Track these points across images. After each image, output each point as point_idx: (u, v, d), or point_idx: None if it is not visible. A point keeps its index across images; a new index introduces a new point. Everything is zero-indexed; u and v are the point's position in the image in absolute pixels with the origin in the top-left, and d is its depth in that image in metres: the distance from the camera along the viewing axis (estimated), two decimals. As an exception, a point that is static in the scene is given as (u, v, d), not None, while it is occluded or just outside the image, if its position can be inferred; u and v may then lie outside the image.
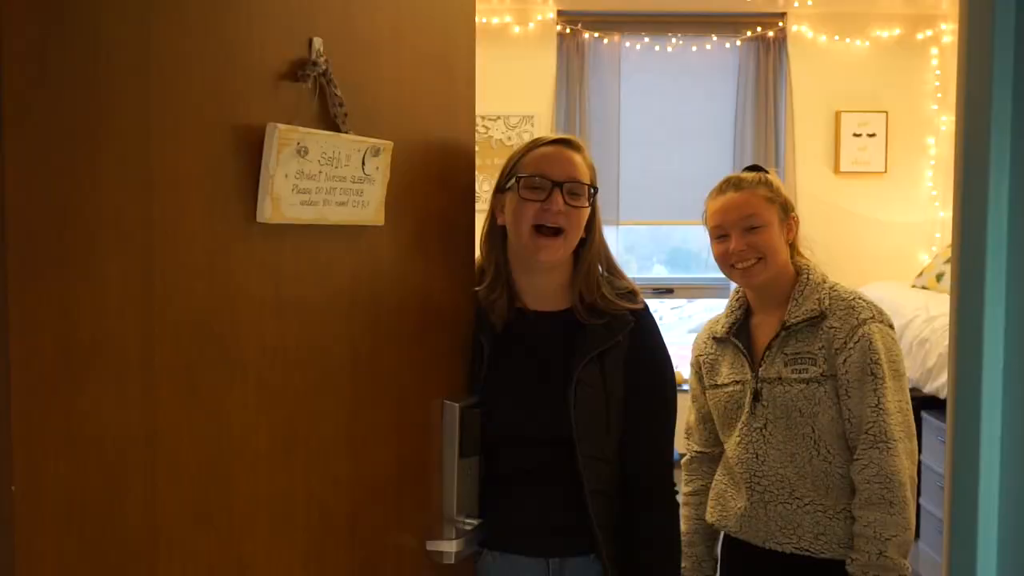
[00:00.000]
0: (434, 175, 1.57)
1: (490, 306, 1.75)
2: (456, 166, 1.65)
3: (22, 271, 0.93)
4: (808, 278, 2.04)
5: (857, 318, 1.96)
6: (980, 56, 0.96)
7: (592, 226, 1.79)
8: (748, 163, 5.28)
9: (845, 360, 1.94)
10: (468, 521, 1.61)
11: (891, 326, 2.01)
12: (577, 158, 1.77)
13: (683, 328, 6.30)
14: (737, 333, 2.12)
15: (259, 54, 1.20)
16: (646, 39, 5.31)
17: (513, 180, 1.74)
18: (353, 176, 1.33)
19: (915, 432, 1.98)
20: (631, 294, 1.84)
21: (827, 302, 2.00)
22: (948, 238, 4.98)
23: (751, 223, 2.03)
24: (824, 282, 2.05)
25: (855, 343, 1.94)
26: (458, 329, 1.67)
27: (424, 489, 1.57)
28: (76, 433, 0.99)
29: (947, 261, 4.60)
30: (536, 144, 1.79)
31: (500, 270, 1.77)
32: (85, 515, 1.01)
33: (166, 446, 1.09)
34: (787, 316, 2.01)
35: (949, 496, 1.03)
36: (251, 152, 1.18)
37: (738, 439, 2.04)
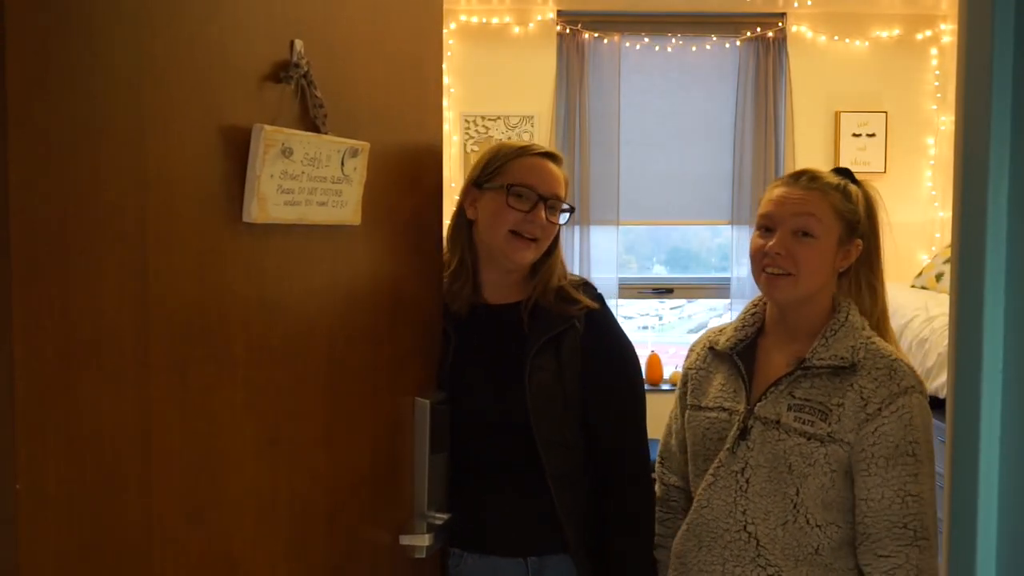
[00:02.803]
0: (406, 175, 1.61)
1: (453, 297, 1.82)
2: (426, 166, 1.69)
3: (26, 271, 0.93)
4: (847, 318, 1.72)
5: (899, 384, 1.65)
6: (979, 56, 0.96)
7: (556, 236, 1.86)
8: (748, 163, 5.36)
9: (876, 430, 1.63)
10: (438, 516, 1.65)
11: (927, 397, 1.71)
12: (560, 174, 1.84)
13: (683, 328, 6.30)
14: (742, 352, 1.80)
15: (244, 56, 1.21)
16: (646, 39, 5.31)
17: (500, 185, 1.79)
18: (333, 176, 1.35)
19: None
20: (586, 284, 1.91)
21: (861, 354, 1.68)
22: (948, 238, 4.98)
23: (803, 226, 1.71)
24: (863, 329, 1.73)
25: (893, 413, 1.63)
26: (427, 327, 1.70)
27: (397, 485, 1.60)
28: (76, 431, 1.00)
29: (947, 261, 4.60)
30: (526, 152, 1.83)
31: (466, 262, 1.84)
32: (84, 513, 1.01)
33: (160, 444, 1.10)
34: (810, 354, 1.70)
35: (949, 496, 1.03)
36: (237, 152, 1.19)
37: (711, 479, 1.73)
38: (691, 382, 1.88)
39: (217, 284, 1.19)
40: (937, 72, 5.33)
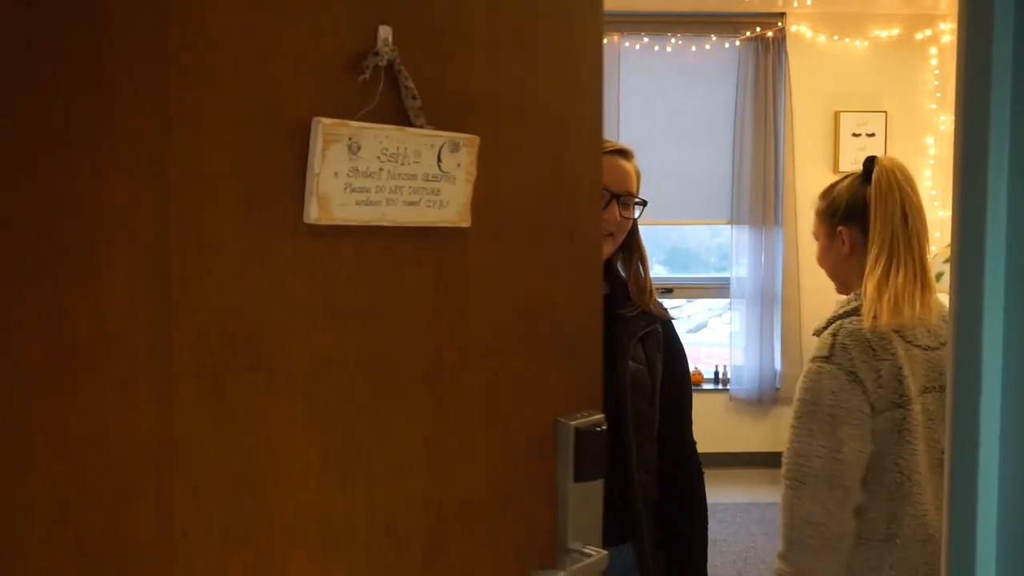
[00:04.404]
0: (549, 173, 1.44)
1: None
2: (578, 163, 1.50)
3: (7, 272, 0.91)
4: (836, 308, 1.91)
5: (813, 356, 1.85)
6: (979, 56, 0.96)
7: (635, 237, 1.96)
8: (748, 163, 5.37)
9: None
10: (584, 551, 1.50)
11: (846, 365, 1.80)
12: (631, 169, 1.92)
13: (682, 328, 6.29)
14: None
15: (312, 42, 1.13)
16: (646, 39, 5.31)
17: None
18: (426, 174, 1.24)
19: (832, 476, 1.77)
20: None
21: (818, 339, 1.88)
22: (947, 238, 4.98)
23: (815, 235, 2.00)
24: (840, 312, 1.88)
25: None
26: (578, 341, 1.52)
27: (529, 514, 1.44)
28: (72, 440, 0.96)
29: (946, 261, 4.60)
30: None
31: None
32: (82, 524, 0.98)
33: (187, 457, 1.04)
34: None
35: (948, 495, 1.03)
36: (300, 149, 1.11)
37: None
38: None
39: (268, 289, 1.11)
40: (936, 72, 5.34)
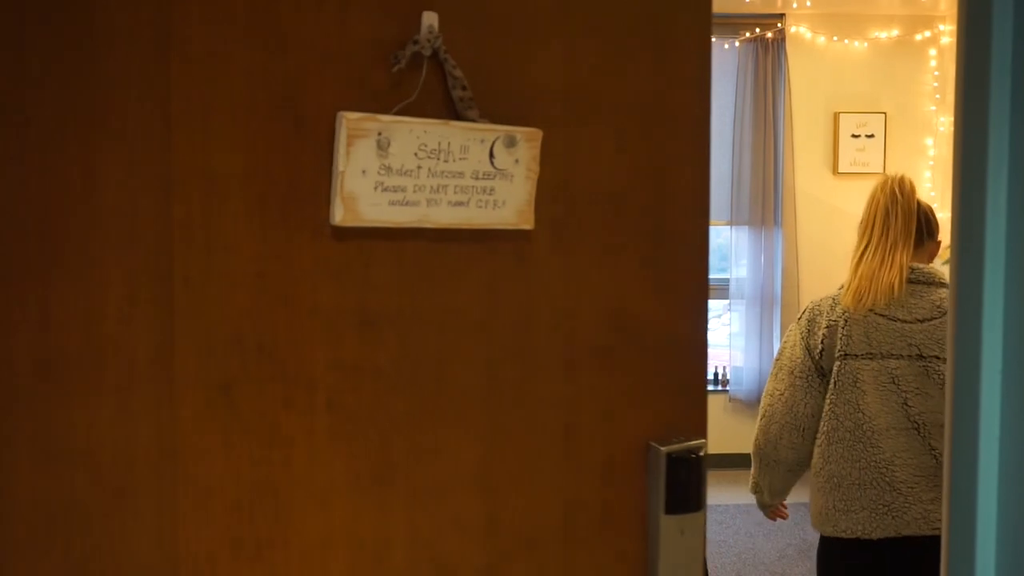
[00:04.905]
0: (639, 172, 1.29)
1: None
2: (677, 161, 1.34)
3: None
4: None
5: None
6: (978, 57, 0.97)
7: None
8: (747, 164, 5.37)
9: None
10: None
11: (803, 326, 2.26)
12: None
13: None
14: None
15: (338, 30, 1.05)
16: (645, 40, 5.32)
17: None
18: (475, 172, 1.13)
19: (776, 415, 2.26)
20: None
21: None
22: (947, 239, 4.98)
23: None
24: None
25: None
26: (677, 359, 1.38)
27: (612, 547, 1.32)
28: (62, 447, 0.93)
29: (946, 262, 4.60)
30: None
31: None
32: (73, 534, 0.95)
33: (192, 468, 1.00)
34: None
35: (948, 494, 1.03)
36: (323, 146, 1.05)
37: None
38: None
39: (287, 294, 1.05)
40: (936, 73, 5.34)
